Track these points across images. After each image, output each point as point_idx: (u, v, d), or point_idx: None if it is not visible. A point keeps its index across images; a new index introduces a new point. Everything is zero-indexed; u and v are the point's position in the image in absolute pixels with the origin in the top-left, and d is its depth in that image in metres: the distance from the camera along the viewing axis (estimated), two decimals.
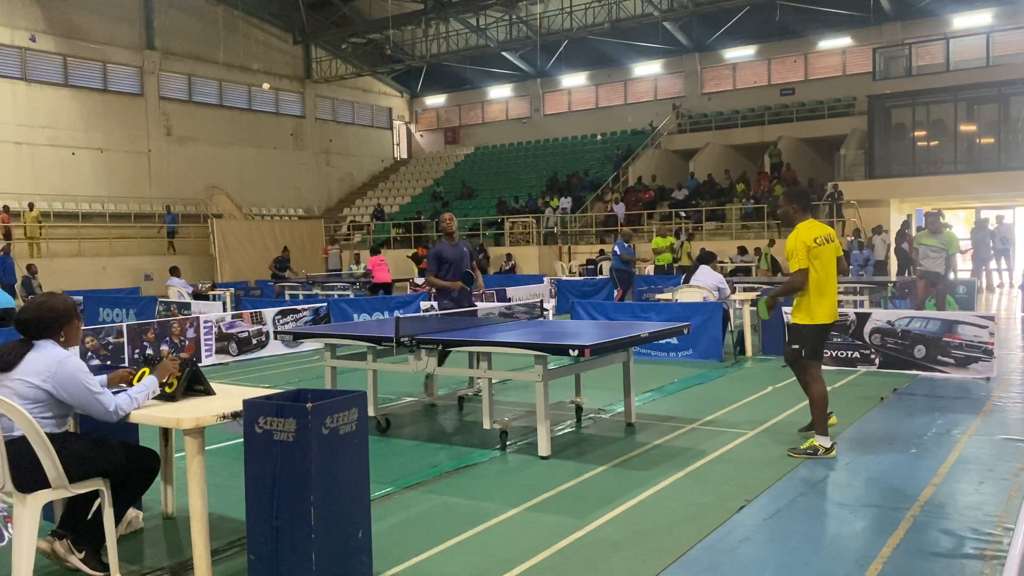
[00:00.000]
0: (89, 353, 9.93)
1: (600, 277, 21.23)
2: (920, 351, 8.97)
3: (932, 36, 27.57)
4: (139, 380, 4.13)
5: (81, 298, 15.04)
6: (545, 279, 20.06)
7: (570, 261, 27.99)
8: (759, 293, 11.44)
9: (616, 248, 17.19)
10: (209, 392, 4.25)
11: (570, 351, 5.77)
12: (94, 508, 4.03)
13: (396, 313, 12.87)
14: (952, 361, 8.78)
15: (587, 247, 28.66)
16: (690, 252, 21.83)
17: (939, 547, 4.18)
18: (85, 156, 28.74)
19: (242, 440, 3.67)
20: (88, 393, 3.81)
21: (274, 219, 33.23)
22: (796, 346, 5.98)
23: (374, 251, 19.49)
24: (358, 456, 3.71)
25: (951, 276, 12.17)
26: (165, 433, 4.76)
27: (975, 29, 27.06)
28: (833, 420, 6.40)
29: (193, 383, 4.21)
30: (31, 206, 25.34)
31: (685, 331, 7.24)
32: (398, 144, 42.38)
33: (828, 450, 5.84)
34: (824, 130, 29.46)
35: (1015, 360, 10.06)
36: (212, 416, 3.80)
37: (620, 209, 28.91)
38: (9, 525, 3.28)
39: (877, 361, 9.25)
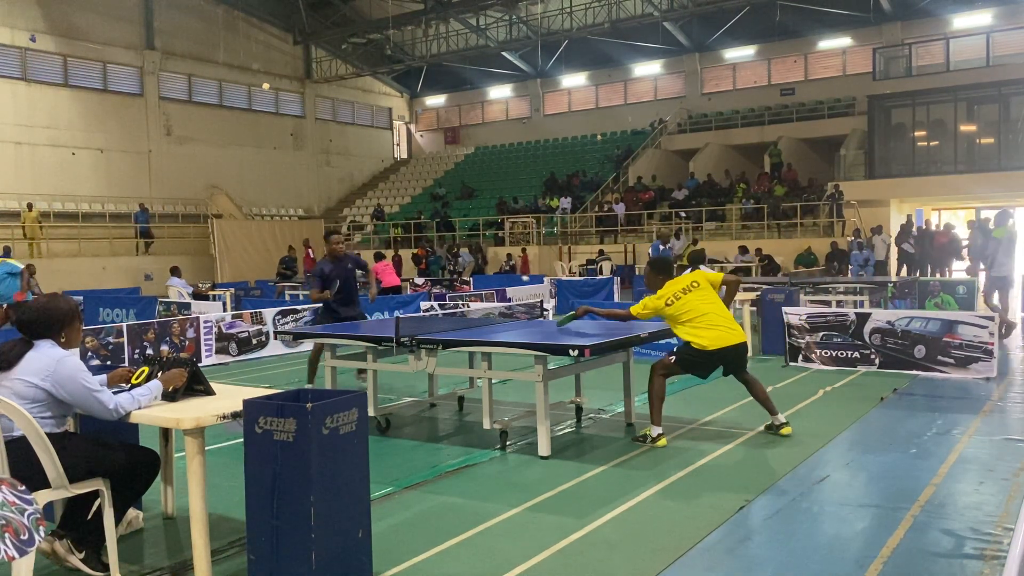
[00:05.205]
0: (89, 353, 9.93)
1: (600, 277, 21.23)
2: (920, 351, 8.97)
3: (932, 36, 27.57)
4: (138, 379, 4.14)
5: (81, 298, 15.04)
6: (545, 279, 20.05)
7: (570, 261, 28.00)
8: (758, 294, 11.44)
9: (650, 250, 17.14)
10: (209, 392, 4.25)
11: (570, 351, 5.78)
12: (94, 508, 4.03)
13: (396, 313, 12.87)
14: (952, 361, 8.79)
15: (587, 247, 28.66)
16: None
17: (939, 547, 4.18)
18: (85, 156, 28.74)
19: (242, 440, 3.67)
20: (87, 391, 3.81)
21: (274, 219, 33.24)
22: (673, 353, 6.56)
23: (378, 257, 19.59)
24: (358, 456, 3.71)
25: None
26: (165, 433, 4.76)
27: (975, 29, 27.06)
28: (788, 430, 6.48)
29: (193, 383, 4.21)
30: (30, 206, 25.34)
31: None
32: (398, 144, 42.38)
33: (658, 437, 6.24)
34: (824, 130, 29.45)
35: (1015, 360, 10.06)
36: (212, 416, 3.80)
37: (620, 209, 28.92)
38: (42, 528, 3.28)
39: (877, 361, 9.25)
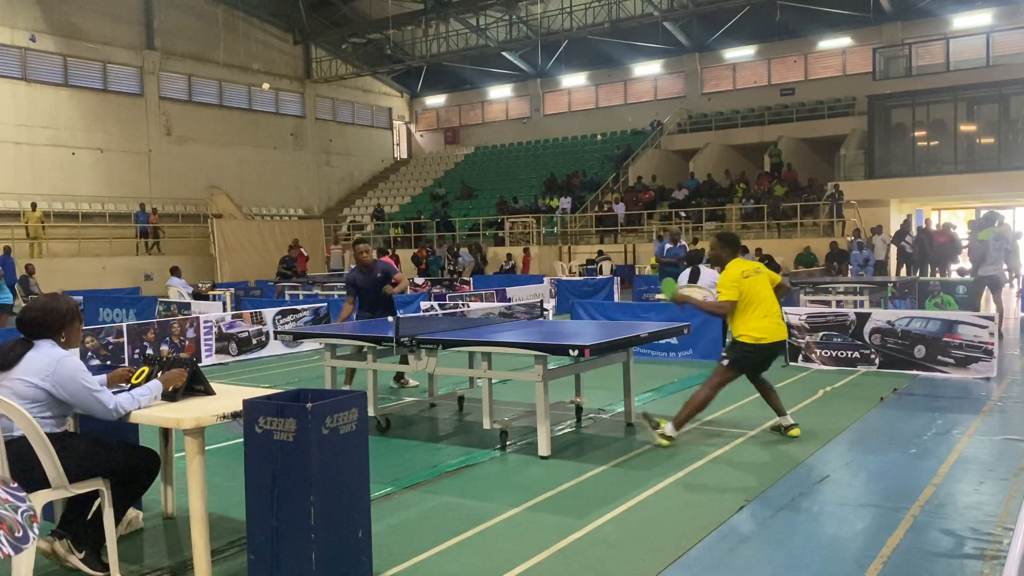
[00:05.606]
0: (89, 353, 9.93)
1: (600, 277, 21.24)
2: (920, 351, 8.97)
3: (932, 36, 27.58)
4: (138, 379, 4.14)
5: (81, 298, 15.04)
6: (545, 279, 20.05)
7: (570, 261, 28.00)
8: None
9: (656, 250, 17.00)
10: (209, 392, 4.25)
11: (570, 351, 5.77)
12: (94, 508, 4.03)
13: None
14: (952, 361, 8.78)
15: (587, 247, 28.67)
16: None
17: (939, 547, 4.17)
18: (85, 156, 28.74)
19: (242, 440, 3.67)
20: (86, 391, 3.81)
21: (274, 219, 33.24)
22: (724, 353, 6.46)
23: (381, 252, 19.53)
24: (358, 456, 3.71)
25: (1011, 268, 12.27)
26: (165, 433, 4.76)
27: (975, 29, 27.07)
28: (797, 431, 6.41)
29: (193, 383, 4.21)
30: (34, 206, 25.35)
31: (685, 331, 7.24)
32: (398, 144, 42.39)
33: (665, 436, 6.16)
34: (824, 130, 29.47)
35: (1015, 360, 10.06)
36: (212, 416, 3.80)
37: (620, 209, 28.93)
38: (35, 525, 3.28)
39: (877, 361, 9.24)
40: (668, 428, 6.23)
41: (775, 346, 6.36)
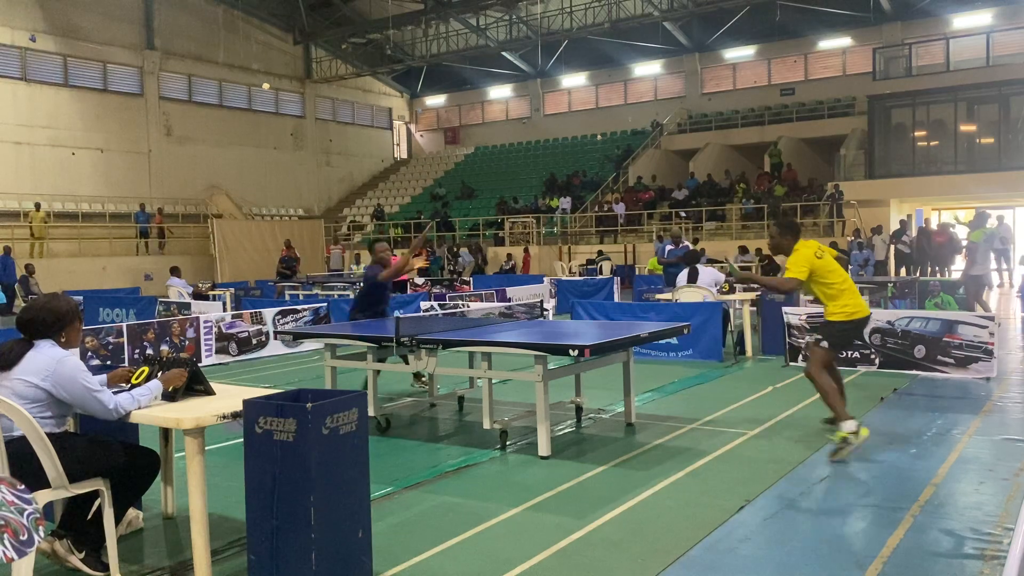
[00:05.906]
0: (89, 353, 9.93)
1: (600, 277, 21.23)
2: (920, 351, 8.97)
3: (932, 36, 27.59)
4: (138, 379, 4.14)
5: (81, 298, 15.03)
6: (545, 279, 20.05)
7: (570, 261, 28.01)
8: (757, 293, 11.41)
9: (656, 252, 16.93)
10: (209, 392, 4.25)
11: (570, 351, 5.77)
12: (94, 508, 4.03)
13: (396, 313, 12.86)
14: (952, 361, 8.78)
15: (587, 247, 28.67)
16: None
17: (939, 547, 4.17)
18: (85, 156, 28.75)
19: (242, 440, 3.67)
20: (86, 391, 3.81)
21: (274, 219, 33.25)
22: (819, 336, 6.35)
23: None
24: (358, 456, 3.71)
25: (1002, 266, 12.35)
26: (165, 433, 4.76)
27: (975, 29, 27.08)
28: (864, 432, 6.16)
29: (193, 383, 4.21)
30: (38, 206, 25.35)
31: (685, 331, 7.24)
32: (398, 144, 42.40)
33: (855, 432, 5.79)
34: (824, 130, 29.48)
35: (1015, 360, 10.05)
36: (212, 416, 3.80)
37: (620, 209, 28.94)
38: (41, 528, 3.28)
39: (877, 361, 9.24)
40: (846, 426, 5.84)
41: (866, 320, 6.38)
